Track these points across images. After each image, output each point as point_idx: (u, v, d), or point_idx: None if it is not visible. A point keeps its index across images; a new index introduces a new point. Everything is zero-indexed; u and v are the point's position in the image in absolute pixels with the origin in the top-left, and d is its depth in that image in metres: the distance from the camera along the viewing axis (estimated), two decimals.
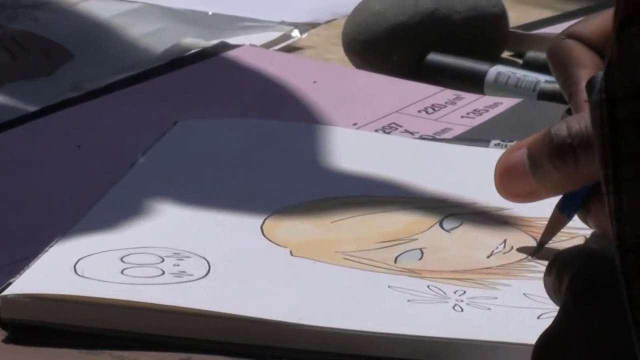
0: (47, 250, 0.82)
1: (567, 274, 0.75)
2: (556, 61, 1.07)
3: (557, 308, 0.71)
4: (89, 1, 1.30)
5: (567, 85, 1.03)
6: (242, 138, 1.06)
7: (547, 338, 0.74)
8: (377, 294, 0.82)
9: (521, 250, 0.92)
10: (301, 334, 0.80)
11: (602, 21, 1.08)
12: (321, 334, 0.79)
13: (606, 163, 0.52)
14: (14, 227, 0.92)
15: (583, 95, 0.97)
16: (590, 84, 0.94)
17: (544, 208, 0.91)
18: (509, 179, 0.98)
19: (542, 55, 1.16)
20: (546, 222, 0.94)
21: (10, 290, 0.77)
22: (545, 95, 1.14)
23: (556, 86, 1.04)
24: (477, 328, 0.79)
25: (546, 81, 1.16)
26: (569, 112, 0.97)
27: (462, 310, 0.80)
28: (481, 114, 1.11)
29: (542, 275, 0.74)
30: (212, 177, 0.97)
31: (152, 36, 1.16)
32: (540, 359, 0.73)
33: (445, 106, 1.11)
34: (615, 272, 0.69)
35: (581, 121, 0.95)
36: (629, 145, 0.49)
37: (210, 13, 1.20)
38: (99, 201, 0.90)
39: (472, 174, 1.01)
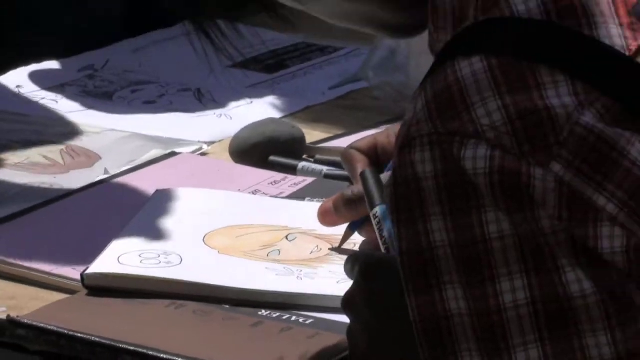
0: (103, 252, 1.21)
1: (357, 263, 1.05)
2: (345, 160, 1.42)
3: (349, 280, 1.05)
4: None
5: (351, 172, 1.40)
6: (201, 198, 1.43)
7: (348, 295, 1.04)
8: (260, 272, 1.24)
9: (331, 249, 1.32)
10: (224, 289, 1.21)
11: (370, 140, 1.44)
12: (234, 290, 1.19)
13: (371, 207, 1.22)
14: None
15: (357, 170, 1.42)
16: (362, 174, 1.35)
17: (340, 229, 1.34)
18: (324, 215, 1.35)
19: (326, 158, 1.56)
20: (342, 235, 1.35)
21: (89, 270, 1.18)
22: (328, 177, 1.50)
23: (334, 172, 1.50)
24: (307, 286, 1.22)
25: (328, 169, 1.51)
26: (351, 183, 1.41)
27: (301, 279, 1.23)
28: (297, 185, 1.47)
29: (341, 263, 1.12)
30: (180, 218, 1.35)
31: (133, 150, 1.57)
32: (346, 306, 1.03)
33: (280, 181, 1.48)
34: (382, 263, 1.05)
35: (357, 188, 1.35)
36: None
37: (164, 136, 1.60)
38: (123, 229, 1.28)
39: (299, 214, 1.40)
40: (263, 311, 1.20)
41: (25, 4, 2.19)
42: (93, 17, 2.16)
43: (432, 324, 0.87)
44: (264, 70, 1.89)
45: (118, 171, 1.44)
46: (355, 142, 1.43)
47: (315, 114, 1.75)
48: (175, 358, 1.09)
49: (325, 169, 1.49)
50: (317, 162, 1.53)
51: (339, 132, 1.67)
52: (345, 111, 1.79)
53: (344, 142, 1.53)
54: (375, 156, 1.42)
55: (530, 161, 0.88)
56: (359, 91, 1.82)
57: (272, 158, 1.49)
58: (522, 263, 0.85)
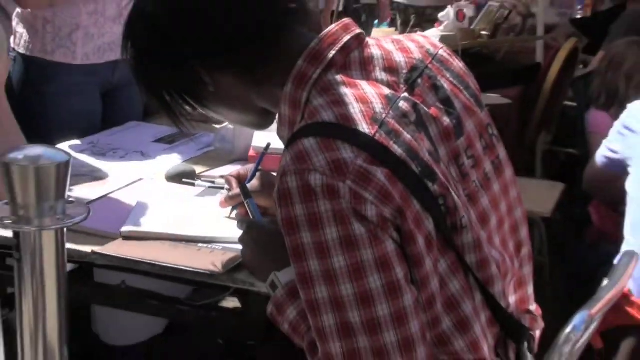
0: (127, 221, 1.77)
1: (243, 222, 1.58)
2: (227, 179, 1.84)
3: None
4: None
5: (229, 184, 1.81)
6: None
7: (241, 236, 1.51)
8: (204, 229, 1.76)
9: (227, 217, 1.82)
10: (186, 237, 1.69)
11: (235, 172, 1.85)
12: (190, 237, 1.69)
13: (245, 198, 1.72)
14: None
15: (234, 186, 1.80)
16: (241, 185, 1.73)
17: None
18: (221, 204, 1.82)
19: (207, 179, 2.07)
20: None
21: (122, 229, 1.74)
22: (211, 187, 2.03)
23: (212, 185, 2.02)
24: (222, 232, 1.74)
25: (209, 185, 2.05)
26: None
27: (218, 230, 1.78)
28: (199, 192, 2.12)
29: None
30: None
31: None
32: (240, 240, 1.50)
33: (189, 190, 2.09)
34: (252, 223, 1.62)
35: (232, 192, 1.78)
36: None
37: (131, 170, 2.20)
38: (132, 212, 1.84)
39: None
40: (201, 244, 1.71)
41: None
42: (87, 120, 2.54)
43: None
44: (169, 143, 2.45)
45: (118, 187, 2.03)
46: (230, 173, 1.87)
47: (197, 159, 2.30)
48: (167, 264, 1.60)
49: (207, 184, 2.05)
50: (203, 180, 2.08)
51: (210, 167, 2.21)
52: (209, 158, 2.32)
53: (214, 172, 2.15)
54: (239, 178, 1.82)
55: (338, 180, 1.16)
56: (214, 150, 2.38)
57: (183, 180, 2.07)
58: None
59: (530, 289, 1.48)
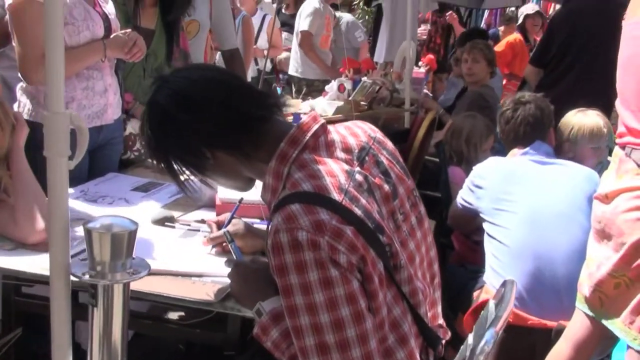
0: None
1: (230, 262, 1.59)
2: (208, 224, 1.88)
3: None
4: None
5: (211, 228, 1.85)
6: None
7: (229, 273, 1.51)
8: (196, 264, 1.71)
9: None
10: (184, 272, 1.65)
11: (216, 219, 1.89)
12: (186, 272, 1.63)
13: (229, 242, 1.71)
14: None
15: (214, 229, 1.84)
16: (225, 232, 1.71)
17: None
18: (205, 243, 1.82)
19: (185, 222, 2.03)
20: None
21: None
22: (190, 229, 2.01)
23: (191, 228, 1.97)
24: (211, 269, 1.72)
25: (188, 228, 2.00)
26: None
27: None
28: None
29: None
30: None
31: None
32: (229, 275, 1.51)
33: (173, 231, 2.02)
34: (237, 262, 1.60)
35: (213, 235, 1.81)
36: None
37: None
38: None
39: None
40: (194, 277, 1.66)
41: None
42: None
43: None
44: (144, 191, 2.39)
45: None
46: (210, 219, 1.92)
47: (171, 205, 2.23)
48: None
49: (186, 227, 2.02)
50: (181, 223, 2.04)
51: (183, 212, 2.14)
52: (180, 204, 2.23)
53: (188, 217, 2.09)
54: (218, 223, 1.87)
55: (318, 236, 1.20)
56: (183, 197, 2.24)
57: (166, 223, 2.03)
58: None
59: (439, 308, 1.55)
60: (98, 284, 1.04)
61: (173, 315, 1.81)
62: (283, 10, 6.54)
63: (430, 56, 6.20)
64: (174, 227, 2.02)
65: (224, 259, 1.64)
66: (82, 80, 2.39)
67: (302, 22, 5.64)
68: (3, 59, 2.65)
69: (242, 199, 1.86)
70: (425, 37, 5.81)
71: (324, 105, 4.14)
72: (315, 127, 1.37)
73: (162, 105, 1.38)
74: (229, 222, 1.79)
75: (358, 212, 1.25)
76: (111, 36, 2.43)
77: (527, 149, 2.55)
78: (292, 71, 5.80)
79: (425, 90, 5.72)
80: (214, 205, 2.16)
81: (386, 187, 1.38)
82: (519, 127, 2.62)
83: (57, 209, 1.04)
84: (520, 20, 6.29)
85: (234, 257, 1.65)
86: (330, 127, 1.43)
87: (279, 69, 6.43)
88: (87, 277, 1.04)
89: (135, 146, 2.72)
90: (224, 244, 1.75)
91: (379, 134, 1.50)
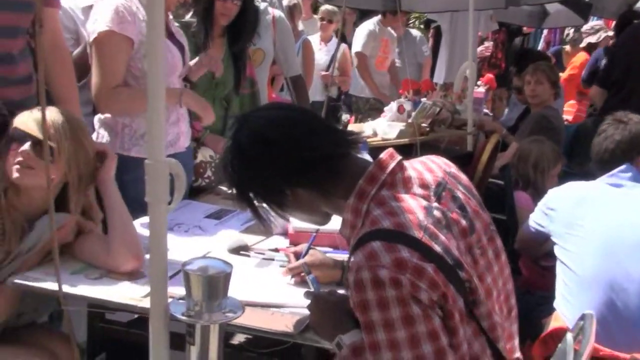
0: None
1: (310, 294, 1.57)
2: (286, 254, 1.94)
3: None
4: None
5: (289, 258, 1.89)
6: None
7: (308, 305, 1.52)
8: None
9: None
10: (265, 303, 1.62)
11: (292, 250, 1.92)
12: (267, 303, 1.59)
13: (307, 274, 1.72)
14: None
15: (292, 260, 1.86)
16: (304, 264, 1.72)
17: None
18: (284, 274, 1.82)
19: (260, 251, 2.04)
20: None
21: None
22: (265, 258, 2.00)
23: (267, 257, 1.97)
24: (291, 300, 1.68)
25: (263, 257, 1.98)
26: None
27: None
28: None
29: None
30: None
31: None
32: (308, 307, 1.52)
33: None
34: (317, 294, 1.59)
35: (292, 265, 1.81)
36: None
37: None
38: None
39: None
40: (273, 308, 1.65)
41: None
42: None
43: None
44: (217, 218, 2.43)
45: None
46: (289, 249, 1.94)
47: (243, 233, 2.25)
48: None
49: (260, 256, 2.02)
50: (255, 252, 2.05)
51: (256, 241, 2.15)
52: (252, 231, 2.24)
53: (261, 245, 2.10)
54: (295, 254, 1.89)
55: (400, 274, 1.20)
56: (255, 224, 2.16)
57: (241, 252, 2.04)
58: None
59: (516, 341, 1.54)
60: (196, 324, 1.08)
61: (243, 342, 1.83)
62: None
63: (490, 75, 6.16)
64: (249, 255, 2.03)
65: (302, 290, 1.66)
66: None
67: (355, 43, 5.71)
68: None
69: (318, 229, 1.88)
70: (487, 54, 5.78)
71: (385, 127, 4.13)
72: (393, 164, 1.38)
73: (243, 145, 1.41)
74: (307, 252, 1.81)
75: (437, 248, 1.26)
76: (192, 62, 2.50)
77: (614, 171, 2.44)
78: (352, 91, 5.82)
79: (485, 110, 5.69)
80: (286, 233, 2.18)
81: (463, 222, 1.38)
82: (612, 146, 2.48)
83: (157, 252, 1.08)
84: (593, 40, 6.11)
85: (312, 288, 1.66)
86: (405, 163, 1.43)
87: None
88: (185, 317, 1.08)
89: (205, 173, 2.75)
90: (302, 274, 1.76)
91: (453, 169, 1.51)
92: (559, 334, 2.16)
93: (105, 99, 2.31)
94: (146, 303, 1.53)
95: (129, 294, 1.70)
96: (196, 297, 1.09)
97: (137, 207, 2.18)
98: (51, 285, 1.69)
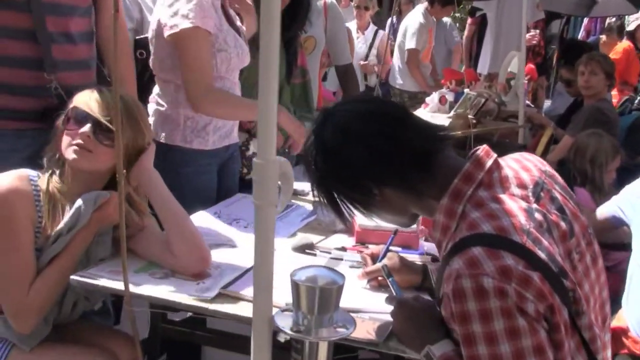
0: None
1: (393, 299, 1.48)
2: (362, 257, 1.81)
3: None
4: None
5: (365, 261, 1.77)
6: None
7: (392, 311, 1.42)
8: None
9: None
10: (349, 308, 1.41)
11: (368, 252, 1.79)
12: (351, 309, 1.27)
13: (387, 277, 1.62)
14: None
15: (369, 263, 1.74)
16: (383, 267, 1.63)
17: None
18: (360, 277, 1.72)
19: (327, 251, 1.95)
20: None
21: None
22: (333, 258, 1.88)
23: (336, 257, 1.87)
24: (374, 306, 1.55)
25: (331, 257, 1.89)
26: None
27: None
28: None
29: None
30: None
31: None
32: (391, 314, 1.42)
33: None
34: (400, 298, 1.48)
35: (369, 268, 1.71)
36: None
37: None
38: None
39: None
40: (352, 313, 1.37)
41: None
42: None
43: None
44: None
45: None
46: (365, 252, 1.83)
47: (304, 230, 2.18)
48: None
49: (328, 256, 1.92)
50: (321, 251, 1.96)
51: (319, 238, 2.08)
52: (312, 228, 2.20)
53: (325, 244, 2.02)
54: (372, 256, 1.79)
55: (505, 283, 1.13)
56: (314, 221, 2.25)
57: (306, 250, 1.95)
58: None
59: (609, 352, 1.45)
60: (305, 341, 1.00)
61: None
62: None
63: (531, 66, 6.02)
64: (314, 255, 1.94)
65: (378, 294, 1.57)
66: None
67: (408, 39, 5.53)
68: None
69: (397, 229, 1.79)
70: (534, 41, 5.66)
71: (428, 119, 4.06)
72: (490, 162, 1.31)
73: (329, 140, 1.34)
74: (385, 255, 1.72)
75: (542, 255, 1.18)
76: None
77: None
78: (392, 82, 5.71)
79: (526, 102, 5.57)
80: (350, 231, 2.10)
81: (563, 224, 1.30)
82: None
83: (263, 260, 1.00)
84: (631, 28, 6.11)
85: (393, 292, 1.58)
86: (500, 161, 1.35)
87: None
88: (294, 332, 1.00)
89: None
90: (380, 278, 1.68)
91: (548, 167, 1.42)
92: (618, 333, 2.17)
93: (206, 101, 2.20)
94: (216, 306, 1.52)
95: (197, 295, 1.60)
96: (305, 310, 0.99)
97: (196, 200, 2.24)
98: (116, 285, 1.62)
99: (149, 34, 2.31)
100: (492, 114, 4.36)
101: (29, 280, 1.63)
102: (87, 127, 1.67)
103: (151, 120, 2.38)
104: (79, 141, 1.67)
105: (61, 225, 1.68)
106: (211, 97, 2.19)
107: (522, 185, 1.29)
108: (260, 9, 1.04)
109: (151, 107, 2.38)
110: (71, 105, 1.73)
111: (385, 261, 1.69)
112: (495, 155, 1.35)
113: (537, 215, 1.25)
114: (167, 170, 2.19)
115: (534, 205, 1.26)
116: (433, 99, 4.91)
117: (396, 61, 5.69)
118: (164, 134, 2.33)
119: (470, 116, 4.13)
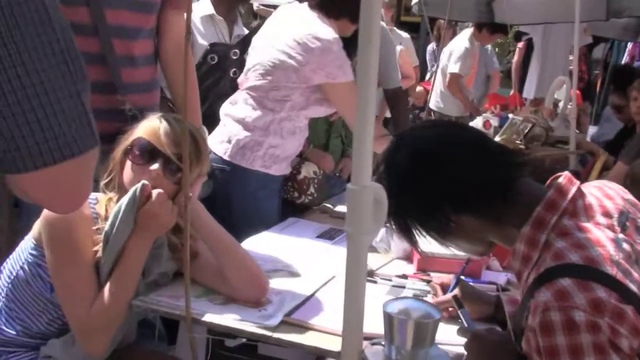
0: None
1: (466, 331, 1.42)
2: (432, 287, 1.76)
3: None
4: None
5: (435, 291, 1.74)
6: None
7: (465, 343, 1.35)
8: None
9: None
10: None
11: (439, 283, 1.76)
12: None
13: (459, 307, 1.56)
14: None
15: (439, 293, 1.70)
16: (454, 297, 1.57)
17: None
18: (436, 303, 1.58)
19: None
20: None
21: None
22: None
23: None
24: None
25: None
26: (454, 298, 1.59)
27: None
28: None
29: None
30: None
31: None
32: (465, 346, 1.34)
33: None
34: (474, 332, 1.40)
35: (440, 299, 1.64)
36: None
37: None
38: None
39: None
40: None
41: None
42: None
43: None
44: (329, 239, 2.33)
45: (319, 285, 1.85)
46: (434, 281, 1.79)
47: None
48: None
49: (389, 283, 1.88)
50: (382, 278, 1.91)
51: (376, 265, 2.02)
52: (374, 253, 2.11)
53: (383, 271, 1.96)
54: (442, 286, 1.75)
55: (598, 317, 1.07)
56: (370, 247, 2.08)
57: (367, 278, 1.63)
58: None
59: None
60: None
61: None
62: None
63: (576, 91, 5.93)
64: (375, 282, 1.90)
65: (450, 325, 1.51)
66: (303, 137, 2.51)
67: (451, 63, 5.51)
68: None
69: (469, 259, 1.74)
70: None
71: None
72: (573, 189, 1.27)
73: (405, 167, 1.32)
74: (456, 284, 1.67)
75: (633, 288, 1.13)
76: None
77: None
78: (432, 105, 5.65)
79: None
80: (409, 258, 2.06)
81: None
82: None
83: (355, 289, 0.94)
84: None
85: (464, 324, 1.52)
86: (583, 188, 1.31)
87: (416, 104, 6.32)
88: None
89: (309, 190, 2.62)
90: (450, 309, 1.63)
91: (630, 195, 1.37)
92: None
93: None
94: (280, 335, 1.49)
95: (259, 322, 1.56)
96: (399, 345, 0.94)
97: (264, 222, 2.30)
98: (177, 310, 1.60)
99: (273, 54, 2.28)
100: (539, 140, 4.28)
101: (92, 297, 1.56)
102: (157, 166, 1.60)
103: (224, 136, 2.37)
104: (149, 182, 1.59)
105: (106, 227, 1.60)
106: None
107: (607, 214, 1.25)
108: (359, 35, 1.03)
109: (230, 123, 2.37)
110: (136, 135, 1.65)
111: (455, 291, 1.62)
112: (578, 182, 1.30)
113: (625, 246, 1.20)
114: (244, 193, 2.35)
115: (621, 235, 1.22)
116: (477, 123, 4.85)
117: (438, 85, 5.64)
118: (245, 160, 2.34)
119: (517, 141, 4.06)
